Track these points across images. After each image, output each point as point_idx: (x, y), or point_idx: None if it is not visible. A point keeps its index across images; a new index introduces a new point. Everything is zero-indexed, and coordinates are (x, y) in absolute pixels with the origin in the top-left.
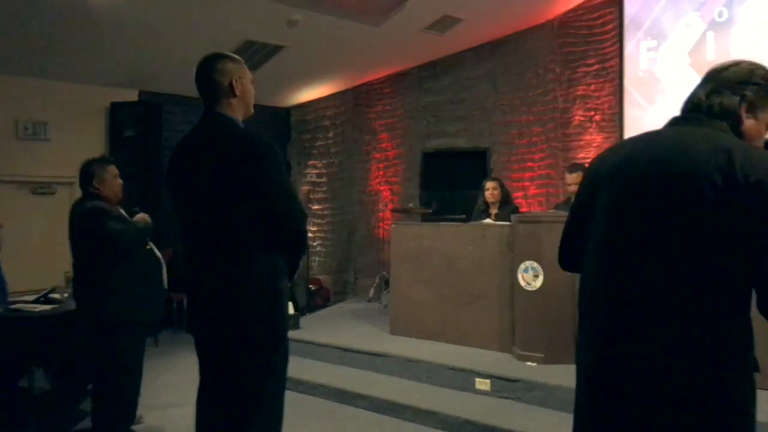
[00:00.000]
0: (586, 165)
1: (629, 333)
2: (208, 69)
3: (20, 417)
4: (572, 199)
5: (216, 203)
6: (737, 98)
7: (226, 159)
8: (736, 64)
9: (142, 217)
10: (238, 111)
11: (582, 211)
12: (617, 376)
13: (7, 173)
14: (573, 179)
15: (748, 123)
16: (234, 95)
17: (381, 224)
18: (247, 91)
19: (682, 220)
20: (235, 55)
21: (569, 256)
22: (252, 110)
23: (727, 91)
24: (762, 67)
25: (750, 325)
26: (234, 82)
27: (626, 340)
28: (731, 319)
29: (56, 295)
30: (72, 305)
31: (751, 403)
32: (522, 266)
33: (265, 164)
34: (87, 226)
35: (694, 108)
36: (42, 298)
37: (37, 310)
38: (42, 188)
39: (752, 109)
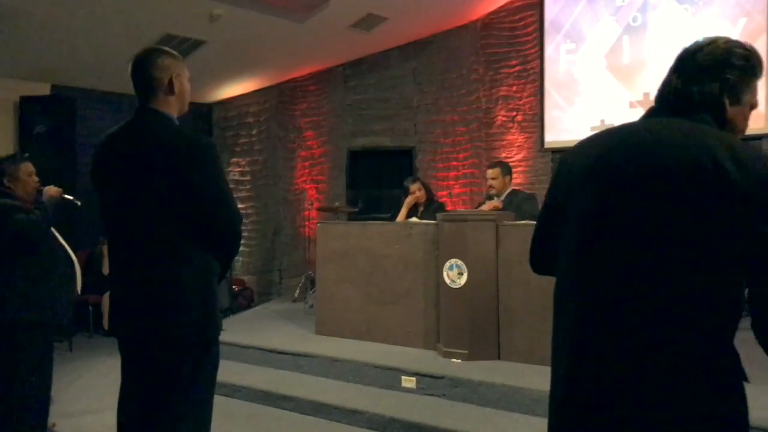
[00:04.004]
0: (510, 163)
1: (605, 336)
2: (147, 64)
3: None
4: (495, 198)
5: (150, 201)
6: (717, 84)
7: (165, 156)
8: (711, 42)
9: (48, 190)
10: (174, 108)
11: (555, 211)
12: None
13: None
14: (492, 174)
15: (733, 110)
16: (172, 92)
17: (307, 223)
18: (185, 89)
19: (664, 221)
20: (173, 51)
21: (541, 259)
22: (186, 108)
23: (705, 77)
24: (739, 43)
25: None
26: (173, 79)
27: (603, 344)
28: (723, 331)
29: None
30: None
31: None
32: (447, 264)
33: (204, 164)
34: None
35: (670, 98)
36: None
37: None
38: None
39: (735, 93)
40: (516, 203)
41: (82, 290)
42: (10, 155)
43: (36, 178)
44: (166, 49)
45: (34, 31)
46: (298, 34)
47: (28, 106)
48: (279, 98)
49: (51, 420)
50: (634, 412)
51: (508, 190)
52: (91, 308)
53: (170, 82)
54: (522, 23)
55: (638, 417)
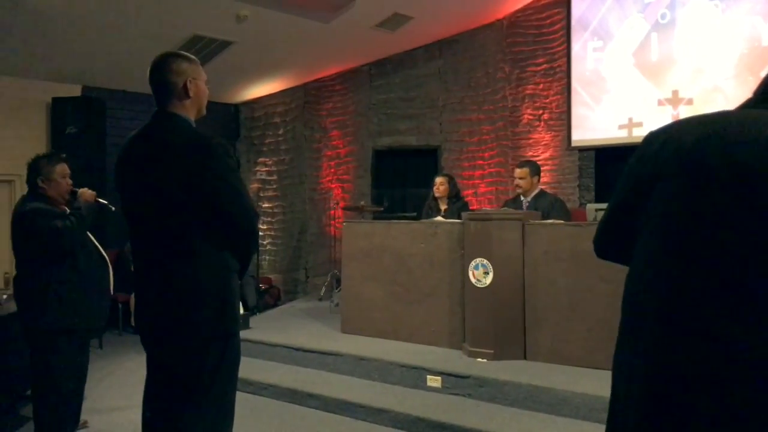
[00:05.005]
0: (537, 162)
1: (689, 347)
2: (163, 68)
3: None
4: (521, 197)
5: (166, 202)
6: None
7: (178, 159)
8: None
9: (83, 193)
10: (191, 111)
11: (635, 197)
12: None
13: None
14: (520, 173)
15: None
16: (188, 96)
17: (332, 222)
18: (201, 92)
19: (759, 222)
20: (190, 55)
21: (610, 244)
22: (204, 111)
23: None
24: None
25: None
26: (188, 83)
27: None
28: None
29: None
30: (11, 307)
31: None
32: (473, 263)
33: (216, 164)
34: (25, 229)
35: None
36: None
37: None
38: None
39: None
40: (543, 206)
41: (115, 289)
42: (46, 154)
43: (69, 181)
44: (182, 53)
45: (65, 34)
46: (324, 34)
47: (59, 107)
48: (305, 98)
49: (83, 417)
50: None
51: (536, 191)
52: (120, 306)
53: (185, 86)
54: (548, 21)
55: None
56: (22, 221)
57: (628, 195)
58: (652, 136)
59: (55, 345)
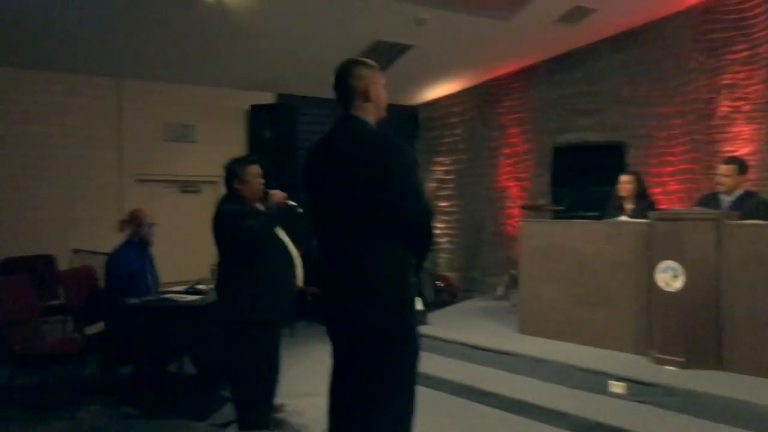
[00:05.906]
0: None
1: None
2: (345, 74)
3: (169, 399)
4: (721, 195)
5: (348, 200)
6: None
7: (358, 158)
8: None
9: (275, 195)
10: (371, 114)
11: None
12: None
13: (159, 173)
14: (727, 170)
15: None
16: (368, 100)
17: (509, 221)
18: (380, 96)
19: None
20: (369, 61)
21: None
22: (384, 113)
23: None
24: None
25: None
26: (368, 88)
27: None
28: None
29: (202, 287)
30: (214, 297)
31: None
32: (660, 266)
33: (394, 162)
34: (222, 227)
35: None
36: (189, 289)
37: (184, 299)
38: (188, 187)
39: None
40: (748, 208)
41: (304, 282)
42: (240, 157)
43: (261, 180)
44: (363, 59)
45: (260, 46)
46: (503, 32)
47: (256, 114)
48: (482, 97)
49: (280, 400)
50: None
51: (741, 191)
52: (309, 298)
53: (366, 91)
54: (750, 4)
55: None
56: (218, 220)
57: None
58: None
59: (248, 334)
